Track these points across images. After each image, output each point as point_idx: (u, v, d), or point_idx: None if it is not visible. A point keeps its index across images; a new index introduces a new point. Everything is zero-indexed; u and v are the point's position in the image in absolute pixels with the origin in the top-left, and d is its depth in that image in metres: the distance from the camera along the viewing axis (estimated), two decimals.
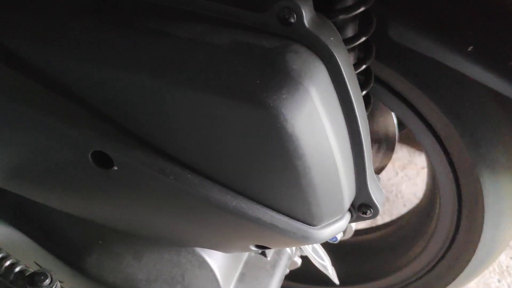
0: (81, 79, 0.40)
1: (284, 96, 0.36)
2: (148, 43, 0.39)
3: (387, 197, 1.53)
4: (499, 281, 1.32)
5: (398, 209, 1.49)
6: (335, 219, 0.46)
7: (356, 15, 0.46)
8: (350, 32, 0.48)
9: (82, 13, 0.40)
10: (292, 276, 0.80)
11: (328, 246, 0.71)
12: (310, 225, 0.44)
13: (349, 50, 0.48)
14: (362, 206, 0.47)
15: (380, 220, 1.46)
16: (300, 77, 0.37)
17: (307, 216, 0.43)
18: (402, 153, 1.66)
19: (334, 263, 0.73)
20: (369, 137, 0.45)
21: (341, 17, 0.45)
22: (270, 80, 0.36)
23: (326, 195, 0.42)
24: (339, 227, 0.47)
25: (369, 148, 0.45)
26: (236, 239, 0.48)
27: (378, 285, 0.87)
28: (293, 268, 0.74)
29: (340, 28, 0.47)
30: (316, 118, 0.38)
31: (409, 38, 0.52)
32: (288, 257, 0.67)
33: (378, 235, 0.97)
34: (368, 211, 0.48)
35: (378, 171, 0.93)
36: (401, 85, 0.58)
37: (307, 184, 0.40)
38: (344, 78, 0.39)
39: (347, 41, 0.47)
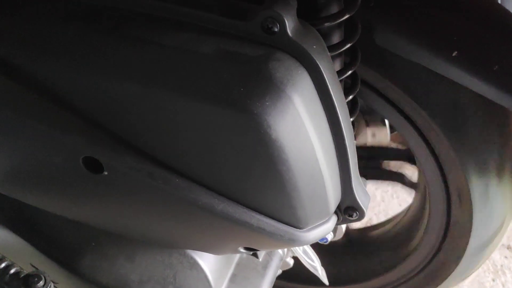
0: (72, 87, 0.41)
1: (267, 103, 0.37)
2: (136, 51, 0.40)
3: (382, 197, 1.54)
4: (493, 280, 1.33)
5: (393, 209, 1.50)
6: (321, 222, 0.47)
7: (341, 22, 0.47)
8: (336, 38, 0.49)
9: (72, 21, 0.42)
10: (285, 276, 0.81)
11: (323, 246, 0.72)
12: (296, 228, 0.45)
13: (335, 56, 0.49)
14: (348, 209, 0.49)
15: (376, 220, 1.48)
16: (282, 85, 0.38)
17: (293, 219, 0.44)
18: None
19: (327, 263, 0.75)
20: (354, 142, 0.46)
21: (327, 24, 0.46)
22: (254, 87, 0.37)
23: (311, 199, 0.43)
24: (326, 230, 0.48)
25: (354, 153, 0.46)
26: (224, 241, 0.49)
27: (370, 285, 0.88)
28: (285, 268, 0.75)
29: (326, 35, 0.48)
30: (299, 124, 0.39)
31: (395, 44, 0.53)
32: (280, 258, 0.68)
33: (371, 235, 0.98)
34: (354, 214, 0.49)
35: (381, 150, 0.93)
36: (388, 89, 0.59)
37: (291, 188, 0.41)
38: (327, 85, 0.40)
39: (332, 48, 0.48)
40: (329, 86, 0.40)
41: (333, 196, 0.46)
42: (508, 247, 1.42)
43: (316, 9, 0.46)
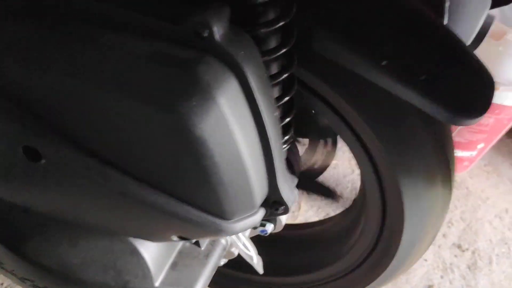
0: (12, 79, 0.43)
1: (194, 103, 0.40)
2: (74, 49, 0.42)
3: (341, 193, 1.59)
4: (441, 277, 1.39)
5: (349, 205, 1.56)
6: (248, 214, 0.51)
7: (278, 28, 0.50)
8: (272, 43, 0.52)
9: (13, 17, 0.43)
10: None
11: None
12: (223, 219, 0.48)
13: (272, 60, 0.52)
14: (275, 203, 0.52)
15: (333, 213, 1.53)
16: (209, 87, 0.40)
17: (219, 211, 0.47)
18: None
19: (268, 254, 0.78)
20: (280, 141, 0.49)
21: (263, 30, 0.49)
22: (182, 88, 0.40)
23: (236, 193, 0.46)
24: (252, 222, 0.51)
25: (279, 152, 0.49)
26: (157, 230, 0.52)
27: (308, 278, 0.92)
28: (230, 258, 0.79)
29: (263, 40, 0.51)
30: (224, 124, 0.42)
31: (331, 50, 0.56)
32: (223, 248, 0.72)
33: (314, 230, 1.02)
34: (280, 208, 0.52)
35: (323, 168, 0.99)
36: (327, 94, 0.63)
37: (217, 183, 0.44)
38: (252, 89, 0.43)
39: (269, 52, 0.51)
40: (255, 90, 0.43)
41: (259, 191, 0.49)
42: (459, 246, 1.48)
43: (253, 15, 0.49)
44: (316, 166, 0.93)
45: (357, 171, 1.68)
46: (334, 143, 0.94)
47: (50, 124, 0.44)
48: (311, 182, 0.97)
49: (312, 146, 0.93)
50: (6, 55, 0.43)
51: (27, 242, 0.61)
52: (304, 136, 0.92)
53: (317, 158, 0.93)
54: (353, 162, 1.70)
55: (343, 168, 1.70)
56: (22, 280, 0.66)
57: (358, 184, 1.63)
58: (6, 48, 0.43)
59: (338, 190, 1.62)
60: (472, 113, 0.54)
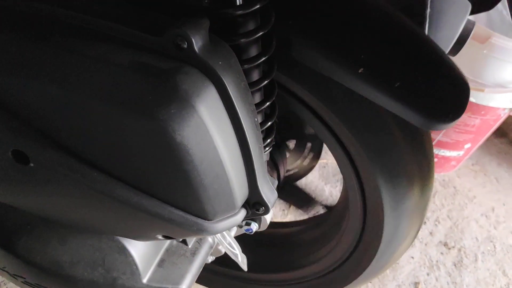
0: (1, 86, 0.46)
1: (173, 111, 0.42)
2: (60, 58, 0.44)
3: (330, 192, 1.63)
4: (428, 274, 1.42)
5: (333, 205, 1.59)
6: (229, 215, 0.53)
7: (257, 38, 0.53)
8: (252, 52, 0.54)
9: (2, 27, 0.46)
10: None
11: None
12: (205, 219, 0.51)
13: (252, 68, 0.55)
14: (256, 204, 0.55)
15: (323, 212, 1.56)
16: (187, 95, 0.43)
17: (201, 212, 0.50)
18: None
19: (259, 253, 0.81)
20: (260, 145, 0.51)
21: (243, 40, 0.52)
22: (161, 97, 0.42)
23: (217, 195, 0.49)
24: (234, 221, 0.54)
25: (259, 155, 0.52)
26: (142, 230, 0.54)
27: (292, 275, 0.94)
28: (217, 255, 0.81)
29: (243, 49, 0.53)
30: (203, 130, 0.44)
31: (310, 58, 0.58)
32: (210, 246, 0.74)
33: (298, 229, 1.05)
34: (261, 209, 0.55)
35: (308, 170, 1.01)
36: (309, 99, 0.65)
37: (197, 185, 0.47)
38: (230, 97, 0.46)
39: (249, 60, 0.53)
40: (233, 97, 0.46)
41: (239, 193, 0.52)
42: (445, 244, 1.51)
43: (234, 26, 0.51)
44: (298, 170, 0.95)
45: None
46: (320, 146, 0.97)
47: (37, 129, 0.46)
48: (289, 186, 1.00)
49: (299, 148, 0.95)
50: None
51: (18, 240, 0.63)
52: (290, 139, 0.94)
53: (302, 161, 0.95)
54: None
55: (333, 167, 1.72)
56: (14, 277, 0.68)
57: None
58: None
59: (327, 189, 1.64)
60: (445, 118, 0.56)
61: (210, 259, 0.81)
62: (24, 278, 0.67)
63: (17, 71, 0.44)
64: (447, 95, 0.58)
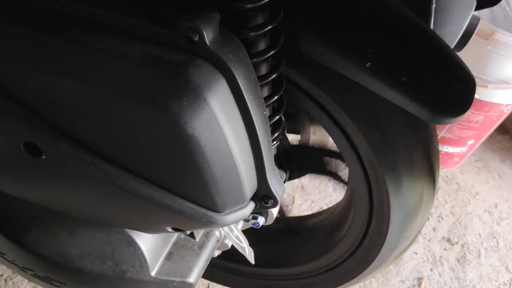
0: (14, 79, 0.46)
1: (184, 103, 0.43)
2: (72, 51, 0.44)
3: (334, 188, 1.63)
4: (431, 270, 1.42)
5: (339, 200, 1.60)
6: (238, 207, 0.54)
7: (266, 31, 0.53)
8: (261, 46, 0.54)
9: (15, 21, 0.46)
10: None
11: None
12: (214, 211, 0.51)
13: (261, 61, 0.55)
14: (264, 197, 0.55)
15: (327, 207, 1.56)
16: (199, 88, 0.43)
17: (211, 204, 0.50)
18: None
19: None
20: (269, 138, 0.52)
21: (252, 34, 0.52)
22: (173, 89, 0.43)
23: (227, 187, 0.49)
24: (243, 214, 0.54)
25: (268, 148, 0.52)
26: (152, 222, 0.55)
27: (300, 270, 0.95)
28: (223, 249, 0.82)
29: (252, 43, 0.53)
30: (214, 122, 0.45)
31: (318, 53, 0.59)
32: (217, 240, 0.75)
33: (305, 223, 1.05)
34: (270, 201, 0.55)
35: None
36: (316, 94, 0.65)
37: (208, 178, 0.47)
38: (240, 90, 0.46)
39: (258, 54, 0.54)
40: (243, 90, 0.46)
41: (248, 186, 0.52)
42: (448, 240, 1.52)
43: (243, 20, 0.51)
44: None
45: None
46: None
47: (50, 122, 0.47)
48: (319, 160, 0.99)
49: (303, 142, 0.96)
50: (7, 57, 0.46)
51: (28, 233, 0.64)
52: (296, 133, 0.95)
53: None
54: None
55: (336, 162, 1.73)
56: (23, 269, 0.69)
57: None
58: (7, 50, 0.46)
59: (331, 184, 1.65)
60: (452, 112, 0.57)
61: (217, 253, 0.82)
62: (33, 271, 0.68)
63: (30, 63, 0.45)
64: (454, 89, 0.59)
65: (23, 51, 0.45)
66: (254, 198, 0.55)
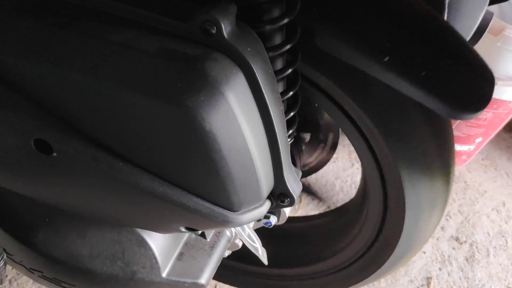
0: (25, 74, 0.45)
1: (202, 98, 0.41)
2: (85, 45, 0.43)
3: (341, 187, 1.61)
4: (440, 269, 1.41)
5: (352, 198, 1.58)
6: (254, 206, 0.52)
7: (282, 25, 0.51)
8: (277, 40, 0.53)
9: (26, 14, 0.44)
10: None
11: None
12: (230, 210, 0.50)
13: (277, 56, 0.54)
14: (281, 195, 0.54)
15: (334, 207, 1.55)
16: (217, 83, 0.42)
17: (227, 203, 0.49)
18: None
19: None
20: (286, 134, 0.50)
21: (268, 27, 0.50)
22: (190, 84, 0.41)
23: (243, 185, 0.48)
24: (259, 213, 0.52)
25: (286, 145, 0.50)
26: (166, 221, 0.53)
27: (313, 269, 0.93)
28: (234, 249, 0.80)
29: (268, 36, 0.52)
30: (232, 118, 0.43)
31: (334, 47, 0.57)
32: (228, 240, 0.73)
33: (319, 222, 1.04)
34: (286, 200, 0.54)
35: (322, 163, 1.00)
36: (331, 89, 0.64)
37: (225, 175, 0.46)
38: (259, 84, 0.45)
39: (273, 48, 0.52)
40: (261, 85, 0.45)
41: (265, 184, 0.50)
42: (457, 239, 1.50)
43: (259, 13, 0.50)
44: (314, 163, 0.94)
45: (357, 165, 1.69)
46: (336, 139, 0.96)
47: (61, 118, 0.45)
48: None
49: (314, 141, 0.94)
50: (19, 51, 0.44)
51: (36, 233, 0.62)
52: (306, 131, 0.93)
53: (317, 154, 0.94)
54: (353, 155, 1.72)
55: (343, 162, 1.71)
56: (31, 271, 0.67)
57: (357, 178, 1.65)
58: (18, 44, 0.44)
59: (338, 184, 1.63)
60: (472, 108, 0.55)
61: (227, 253, 0.80)
62: (42, 272, 0.66)
63: (41, 58, 0.43)
64: (473, 84, 0.57)
65: (34, 45, 0.44)
66: (270, 196, 0.54)
